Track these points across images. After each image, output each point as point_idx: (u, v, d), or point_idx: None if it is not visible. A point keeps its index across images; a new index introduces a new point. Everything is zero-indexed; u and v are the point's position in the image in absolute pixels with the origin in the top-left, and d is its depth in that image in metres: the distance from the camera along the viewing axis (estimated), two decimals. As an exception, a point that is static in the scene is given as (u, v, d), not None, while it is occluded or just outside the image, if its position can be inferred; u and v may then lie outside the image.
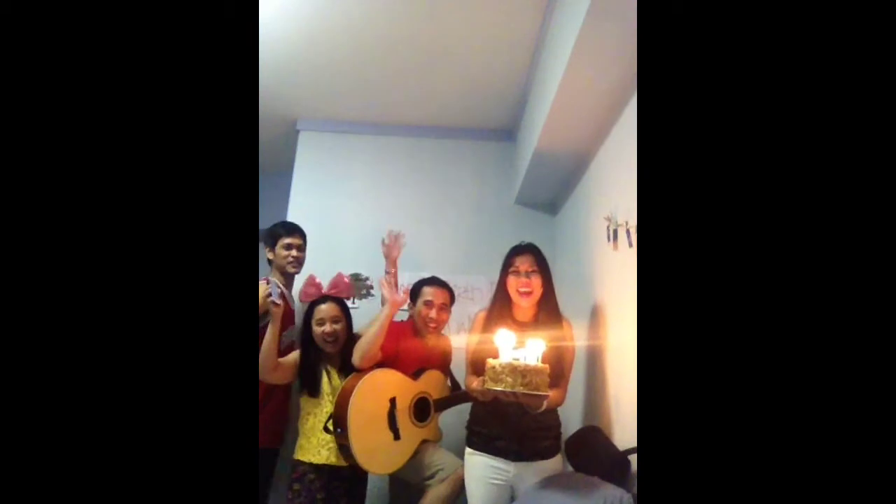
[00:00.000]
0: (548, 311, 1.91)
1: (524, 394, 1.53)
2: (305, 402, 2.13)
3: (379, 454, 2.02)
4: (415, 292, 2.35)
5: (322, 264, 2.79)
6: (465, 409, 2.02)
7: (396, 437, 2.05)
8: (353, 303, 2.98)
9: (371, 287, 3.01)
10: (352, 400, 1.99)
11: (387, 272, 2.35)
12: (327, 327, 2.13)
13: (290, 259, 2.37)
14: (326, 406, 2.10)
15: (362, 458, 1.95)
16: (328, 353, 2.16)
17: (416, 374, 2.20)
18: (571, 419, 2.27)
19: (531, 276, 1.89)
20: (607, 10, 1.58)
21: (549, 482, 1.72)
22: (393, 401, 2.08)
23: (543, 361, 1.59)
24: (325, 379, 2.13)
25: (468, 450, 1.88)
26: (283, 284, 2.38)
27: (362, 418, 1.99)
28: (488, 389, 1.56)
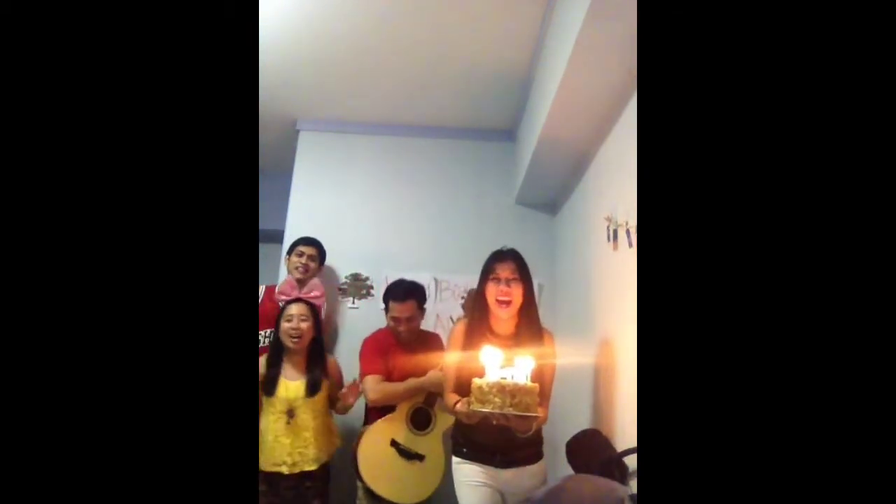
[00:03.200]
0: (528, 323, 1.82)
1: (515, 415, 1.45)
2: (265, 405, 2.14)
3: (419, 484, 2.12)
4: (384, 304, 2.42)
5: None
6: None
7: (421, 459, 2.15)
8: (354, 303, 2.99)
9: (371, 287, 3.02)
10: (363, 475, 2.11)
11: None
12: (294, 323, 2.18)
13: (299, 265, 2.67)
14: (276, 415, 2.10)
15: (408, 498, 2.07)
16: (291, 350, 2.18)
17: (403, 378, 2.27)
18: (573, 420, 2.28)
19: (511, 285, 1.78)
20: (607, 10, 1.58)
21: (551, 489, 1.68)
22: (394, 442, 2.16)
23: (532, 380, 1.52)
24: (281, 385, 2.15)
25: (455, 458, 1.85)
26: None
27: (384, 476, 2.10)
28: (475, 411, 1.49)
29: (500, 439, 1.74)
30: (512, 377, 1.50)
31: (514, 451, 1.79)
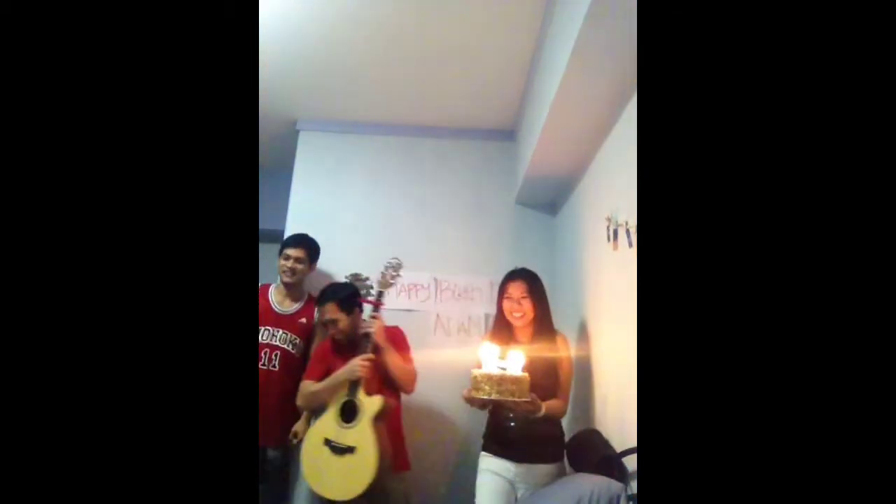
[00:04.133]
0: (542, 331, 2.07)
1: (502, 401, 1.69)
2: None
3: (354, 476, 2.06)
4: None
5: (322, 264, 2.81)
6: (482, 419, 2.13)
7: (352, 451, 2.10)
8: (354, 303, 2.99)
9: (371, 287, 3.02)
10: (307, 479, 2.13)
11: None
12: None
13: (286, 269, 2.61)
14: None
15: (348, 494, 2.03)
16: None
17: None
18: (573, 420, 2.27)
19: (523, 303, 2.06)
20: (607, 11, 1.58)
21: (548, 484, 1.83)
22: (326, 440, 2.14)
23: (548, 376, 1.76)
24: None
25: (483, 453, 2.06)
26: (285, 292, 2.64)
27: (323, 476, 2.09)
28: (472, 397, 1.72)
29: (518, 434, 1.95)
30: (508, 369, 1.73)
31: (529, 446, 1.96)
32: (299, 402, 2.27)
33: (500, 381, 1.68)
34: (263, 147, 3.21)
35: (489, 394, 1.67)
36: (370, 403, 2.16)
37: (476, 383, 1.70)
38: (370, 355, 2.18)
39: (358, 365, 2.15)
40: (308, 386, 2.25)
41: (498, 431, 2.02)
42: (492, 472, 1.98)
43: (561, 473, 1.97)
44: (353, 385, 2.18)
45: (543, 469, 1.94)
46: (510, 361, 1.74)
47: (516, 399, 1.68)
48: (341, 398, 2.19)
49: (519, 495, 1.94)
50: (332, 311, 2.27)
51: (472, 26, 2.40)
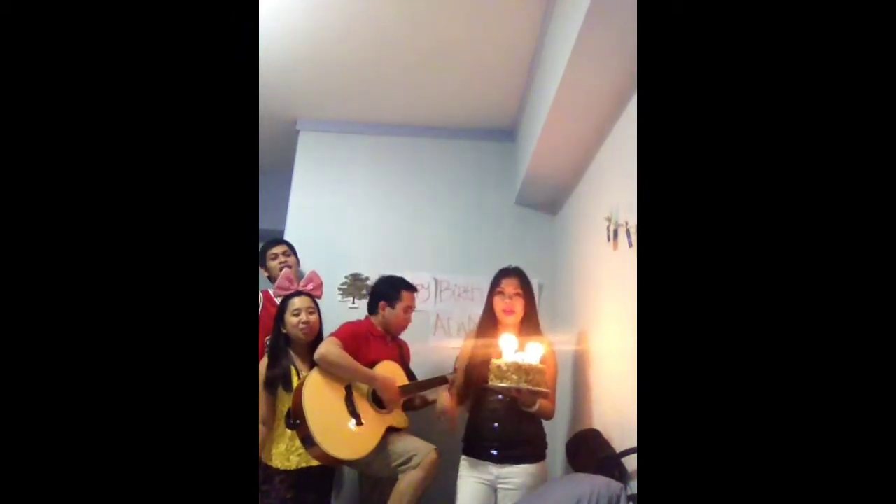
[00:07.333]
0: (529, 330, 2.06)
1: (528, 390, 1.71)
2: (280, 403, 2.11)
3: (342, 438, 1.99)
4: (390, 295, 2.35)
5: (322, 264, 2.81)
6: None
7: (358, 422, 2.04)
8: (354, 303, 2.99)
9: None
10: (304, 389, 1.99)
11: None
12: (303, 316, 2.19)
13: (281, 265, 2.62)
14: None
15: (326, 443, 1.93)
16: (301, 344, 2.18)
17: (370, 366, 2.16)
18: (573, 420, 2.28)
19: (514, 299, 2.07)
20: (607, 10, 1.58)
21: (548, 484, 1.82)
22: (349, 387, 2.08)
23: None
24: (294, 378, 2.12)
25: (463, 457, 2.04)
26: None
27: (318, 405, 1.98)
28: (493, 386, 1.75)
29: (500, 435, 1.95)
30: (525, 359, 1.76)
31: (511, 447, 1.95)
32: (326, 354, 2.05)
33: (529, 371, 1.72)
34: (263, 147, 3.20)
35: (517, 383, 1.70)
36: (398, 414, 2.17)
37: (500, 372, 1.72)
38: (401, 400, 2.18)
39: (393, 400, 2.12)
40: (339, 348, 2.07)
41: (481, 433, 1.99)
42: (472, 477, 1.96)
43: (543, 473, 1.97)
44: (408, 390, 2.23)
45: (526, 469, 1.92)
46: (529, 352, 1.77)
47: (541, 389, 1.72)
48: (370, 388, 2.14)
49: (499, 497, 1.93)
50: (413, 301, 2.36)
51: (472, 26, 2.40)
